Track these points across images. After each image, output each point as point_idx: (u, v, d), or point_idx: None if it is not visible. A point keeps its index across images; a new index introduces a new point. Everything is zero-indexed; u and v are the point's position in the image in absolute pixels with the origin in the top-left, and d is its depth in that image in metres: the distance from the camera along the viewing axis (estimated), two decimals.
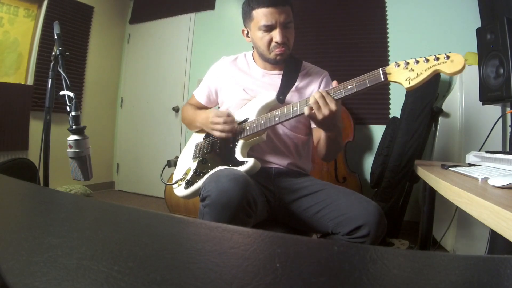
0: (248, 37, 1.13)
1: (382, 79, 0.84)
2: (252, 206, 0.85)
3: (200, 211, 0.87)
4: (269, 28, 1.04)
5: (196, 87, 1.30)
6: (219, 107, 1.24)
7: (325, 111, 0.86)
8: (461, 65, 0.76)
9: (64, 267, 0.22)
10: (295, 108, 0.96)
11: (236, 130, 1.06)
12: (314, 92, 1.12)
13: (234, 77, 1.16)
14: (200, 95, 1.25)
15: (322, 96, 0.87)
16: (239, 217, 0.82)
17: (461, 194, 0.64)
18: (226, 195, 0.81)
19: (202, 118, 1.14)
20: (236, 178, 0.83)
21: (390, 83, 0.86)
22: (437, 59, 0.79)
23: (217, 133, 1.06)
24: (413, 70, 0.81)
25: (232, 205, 0.81)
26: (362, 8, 2.55)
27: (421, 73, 0.80)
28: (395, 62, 0.84)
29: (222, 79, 1.19)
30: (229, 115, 1.06)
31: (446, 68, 0.78)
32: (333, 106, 0.86)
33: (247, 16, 1.08)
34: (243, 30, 1.14)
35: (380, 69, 0.85)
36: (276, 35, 1.03)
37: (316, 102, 0.87)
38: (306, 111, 0.88)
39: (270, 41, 1.05)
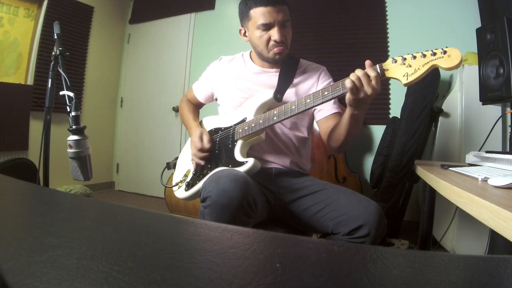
0: (246, 36, 1.13)
1: (380, 75, 0.84)
2: (252, 207, 0.86)
3: (201, 212, 0.87)
4: (267, 27, 1.04)
5: None
6: (219, 105, 1.24)
7: (368, 90, 0.83)
8: (458, 60, 0.75)
9: (64, 267, 0.22)
10: (293, 107, 0.96)
11: (203, 161, 1.08)
12: (311, 88, 1.13)
13: (231, 77, 1.16)
14: (198, 93, 1.26)
15: (366, 74, 0.84)
16: (239, 217, 0.82)
17: (461, 194, 0.64)
18: (226, 195, 0.81)
19: (191, 135, 1.17)
20: (236, 178, 0.83)
21: (390, 81, 0.86)
22: (434, 54, 0.78)
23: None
24: (410, 66, 0.80)
25: (232, 205, 0.81)
26: (362, 8, 2.55)
27: (418, 68, 0.80)
28: (392, 58, 0.83)
29: (219, 79, 1.19)
30: (201, 149, 1.07)
31: (444, 63, 0.77)
32: (378, 86, 0.83)
33: (244, 15, 1.08)
34: (240, 30, 1.14)
35: (377, 65, 0.84)
36: (275, 33, 1.03)
37: (359, 79, 0.84)
38: (348, 84, 0.84)
39: (269, 40, 1.05)
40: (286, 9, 1.05)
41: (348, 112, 0.92)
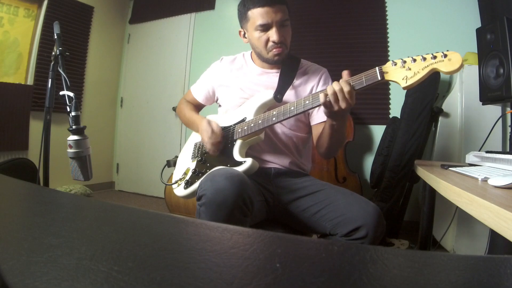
0: (245, 37, 1.12)
1: (379, 78, 0.83)
2: (248, 205, 0.85)
3: (197, 210, 0.87)
4: (265, 28, 1.03)
5: None
6: (220, 106, 1.24)
7: (343, 105, 0.85)
8: (458, 64, 0.75)
9: (64, 267, 0.22)
10: (292, 108, 0.96)
11: (219, 145, 1.05)
12: (312, 90, 1.12)
13: (232, 77, 1.17)
14: (198, 94, 1.26)
15: (342, 90, 0.84)
16: (235, 216, 0.82)
17: (461, 194, 0.64)
18: (221, 194, 0.81)
19: (198, 128, 1.14)
20: (231, 177, 0.83)
21: (389, 82, 0.86)
22: (435, 57, 0.77)
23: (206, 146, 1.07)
24: (410, 69, 0.80)
25: (227, 204, 0.81)
26: (362, 8, 2.55)
27: (418, 72, 0.78)
28: (392, 60, 0.83)
29: (220, 79, 1.19)
30: (213, 131, 1.04)
31: (444, 67, 0.76)
32: (352, 101, 0.85)
33: (243, 17, 1.08)
34: (239, 31, 1.14)
35: (377, 68, 0.83)
36: (273, 34, 1.03)
37: (335, 94, 0.84)
38: (321, 98, 0.86)
39: (267, 41, 1.05)
40: (284, 8, 1.04)
41: (327, 122, 0.96)
